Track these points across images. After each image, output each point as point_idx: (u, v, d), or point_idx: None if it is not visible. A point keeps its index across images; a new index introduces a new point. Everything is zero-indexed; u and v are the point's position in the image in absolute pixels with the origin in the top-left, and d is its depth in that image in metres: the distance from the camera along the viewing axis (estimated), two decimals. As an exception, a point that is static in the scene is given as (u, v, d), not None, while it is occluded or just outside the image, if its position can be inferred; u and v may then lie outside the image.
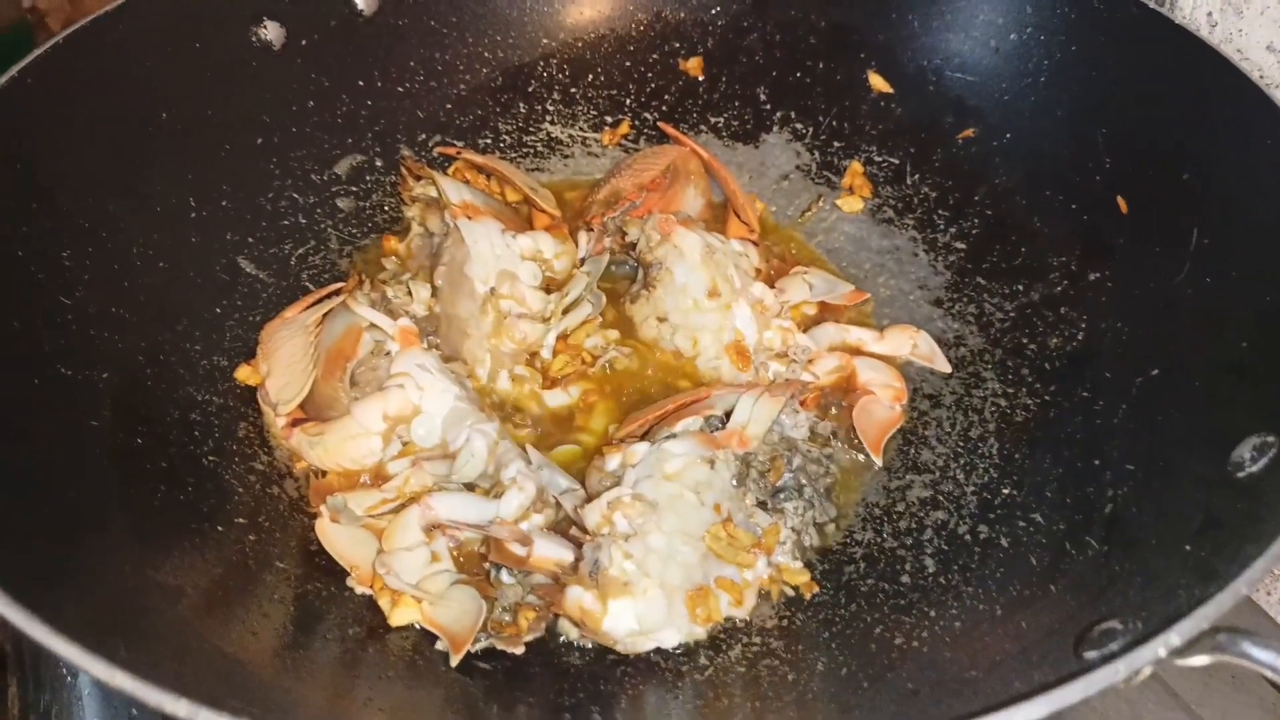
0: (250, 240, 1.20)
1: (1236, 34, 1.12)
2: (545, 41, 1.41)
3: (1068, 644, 0.72)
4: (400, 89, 1.35)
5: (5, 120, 1.00)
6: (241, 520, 0.98)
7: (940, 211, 1.27)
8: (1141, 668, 0.59)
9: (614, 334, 1.21)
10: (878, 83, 1.33)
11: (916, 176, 1.30)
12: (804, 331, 1.19)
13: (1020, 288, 1.16)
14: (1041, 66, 1.21)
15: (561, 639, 0.94)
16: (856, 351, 1.17)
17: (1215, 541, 0.74)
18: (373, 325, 1.09)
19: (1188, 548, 0.76)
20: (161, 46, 1.15)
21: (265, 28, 1.24)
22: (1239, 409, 0.85)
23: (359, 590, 0.95)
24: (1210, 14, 1.14)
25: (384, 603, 0.93)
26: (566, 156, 1.42)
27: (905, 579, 0.95)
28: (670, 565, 0.89)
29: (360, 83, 1.32)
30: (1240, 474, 0.78)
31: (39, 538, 0.78)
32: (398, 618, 0.92)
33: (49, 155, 1.04)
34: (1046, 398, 1.06)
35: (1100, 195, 1.12)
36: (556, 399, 1.15)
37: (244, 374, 1.10)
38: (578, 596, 0.88)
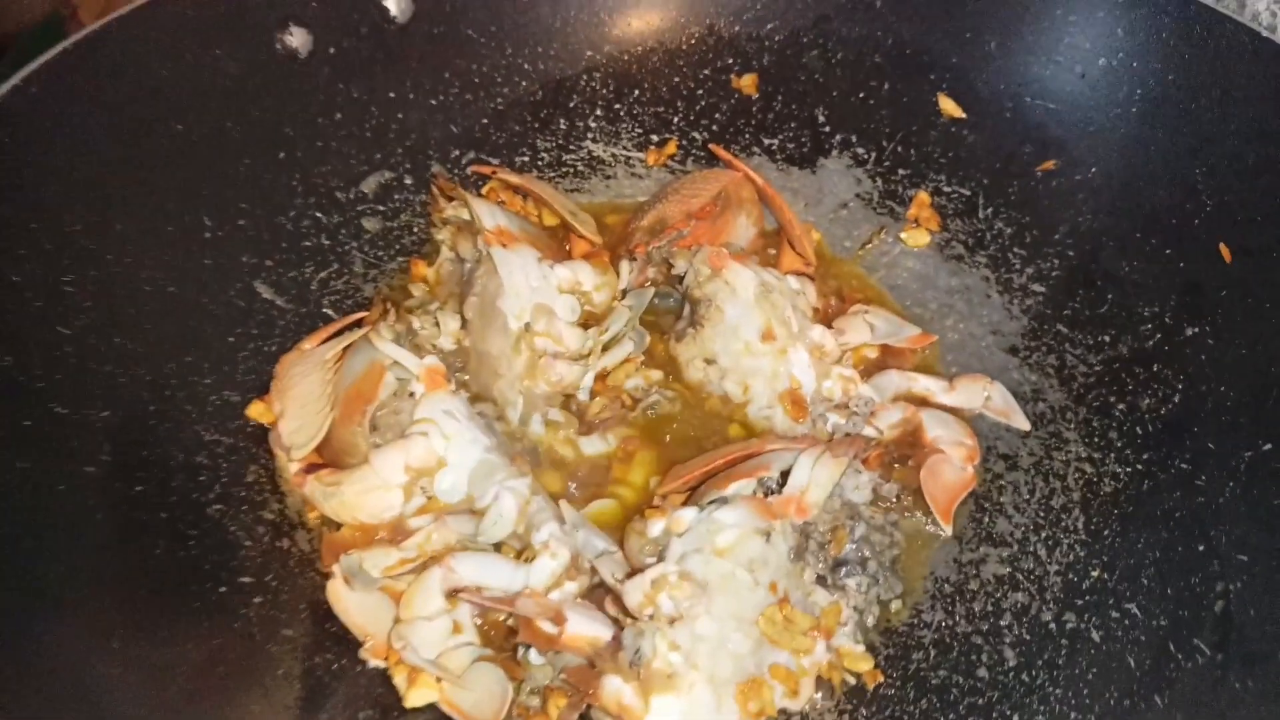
0: (269, 263, 1.11)
1: (1361, 66, 1.01)
2: (589, 54, 1.32)
3: (1191, 785, 0.62)
4: (433, 101, 1.26)
5: (3, 137, 0.91)
6: (247, 579, 0.89)
7: (1016, 250, 1.16)
8: None
9: (657, 375, 1.12)
10: (949, 107, 1.23)
11: (990, 210, 1.19)
12: (864, 377, 1.09)
13: (1107, 339, 1.05)
14: (1134, 96, 1.10)
15: (594, 727, 0.84)
16: (923, 403, 1.07)
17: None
18: (396, 363, 0.99)
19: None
20: (176, 53, 1.07)
21: (291, 34, 1.15)
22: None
23: (372, 663, 0.86)
24: (1331, 43, 1.03)
25: (399, 680, 0.84)
26: (609, 177, 1.33)
27: (982, 672, 0.85)
28: (720, 655, 0.80)
29: (391, 94, 1.23)
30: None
31: (24, 609, 0.70)
32: (414, 698, 0.83)
33: (52, 171, 0.96)
34: (1139, 467, 0.95)
35: (1200, 241, 1.02)
36: (593, 446, 1.06)
37: (256, 411, 1.01)
38: (616, 690, 0.79)
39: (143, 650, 0.76)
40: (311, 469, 0.96)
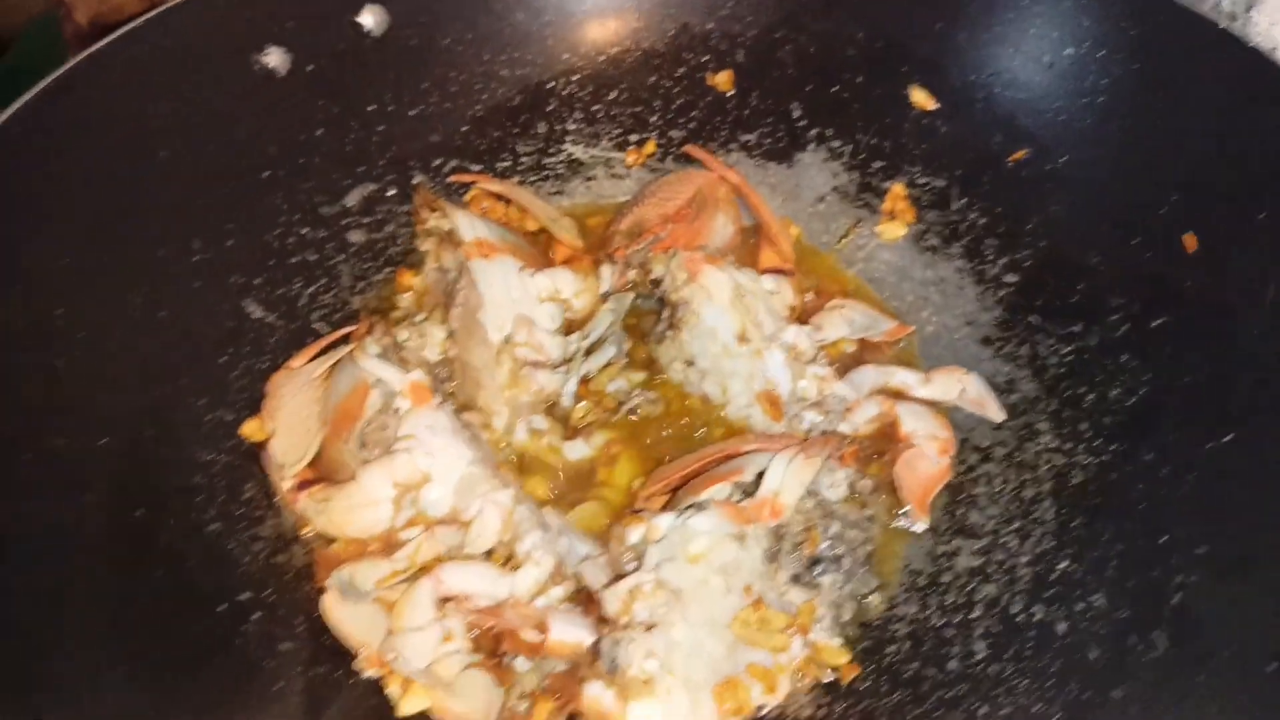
0: (257, 282, 1.14)
1: (1321, 54, 1.02)
2: (566, 57, 1.33)
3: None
4: (413, 112, 1.28)
5: (-6, 170, 0.94)
6: (245, 595, 0.93)
7: (989, 240, 1.18)
8: None
9: (639, 376, 1.14)
10: (921, 99, 1.24)
11: (964, 201, 1.21)
12: (843, 371, 1.12)
13: (1077, 330, 1.07)
14: (1100, 86, 1.11)
15: (580, 729, 0.88)
16: (899, 396, 1.09)
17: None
18: (379, 380, 1.02)
19: (1269, 669, 0.68)
20: (158, 80, 1.10)
21: (268, 55, 1.17)
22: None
23: (367, 674, 0.90)
24: (1291, 31, 1.04)
25: (392, 690, 0.88)
26: (589, 179, 1.34)
27: (953, 664, 0.88)
28: (695, 660, 0.83)
29: (370, 108, 1.25)
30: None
31: (21, 647, 0.73)
32: (407, 707, 0.87)
33: (40, 205, 0.99)
34: (1106, 458, 0.97)
35: (1165, 231, 1.03)
36: (577, 451, 1.09)
37: (250, 429, 1.05)
38: (596, 695, 0.83)
39: (146, 673, 0.80)
40: (304, 485, 1.00)
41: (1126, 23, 1.07)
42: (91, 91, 1.04)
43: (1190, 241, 1.00)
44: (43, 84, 1.01)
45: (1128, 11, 1.07)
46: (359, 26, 1.22)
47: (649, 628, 0.83)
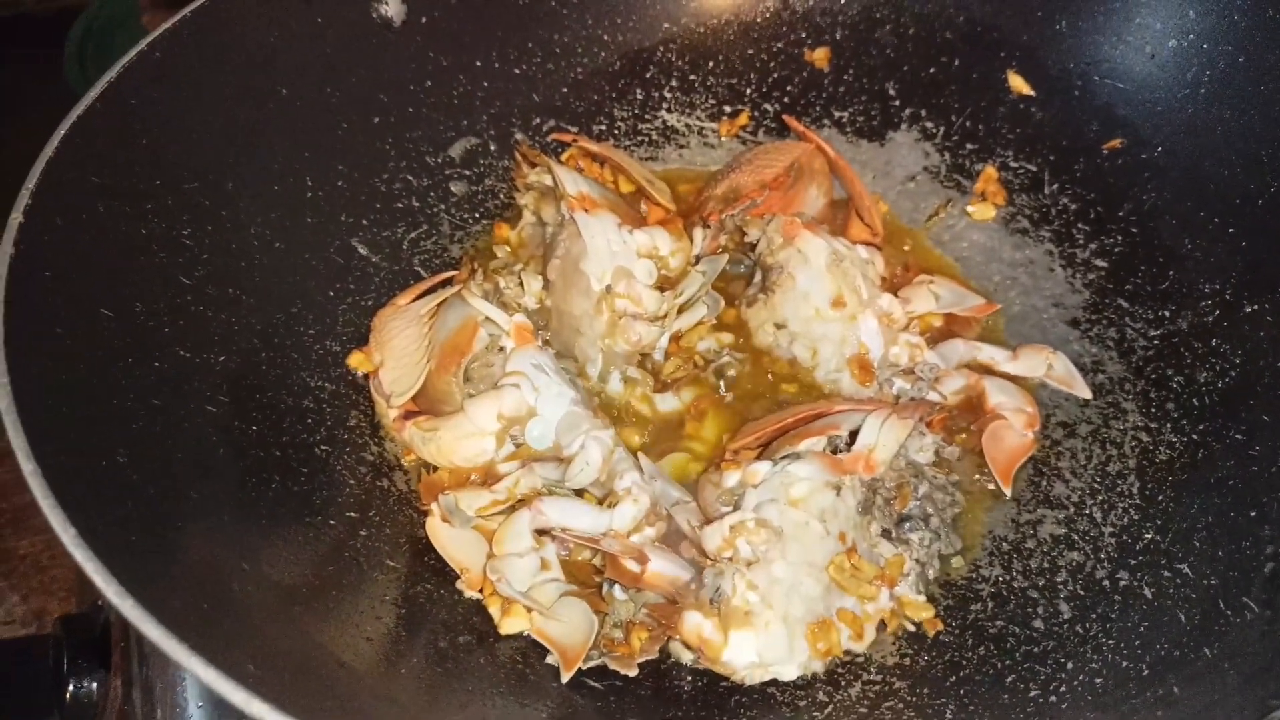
0: (364, 223, 1.18)
1: None
2: (666, 26, 1.36)
3: (1236, 724, 0.67)
4: (517, 71, 1.31)
5: (131, 98, 0.98)
6: (353, 514, 0.96)
7: (1080, 225, 1.20)
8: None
9: (727, 338, 1.17)
10: (1018, 84, 1.26)
11: (1055, 186, 1.23)
12: (930, 344, 1.14)
13: (1167, 314, 1.09)
14: (1202, 78, 1.13)
15: (672, 660, 0.91)
16: (986, 370, 1.12)
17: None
18: (487, 319, 1.06)
19: (1372, 627, 0.70)
20: (282, 22, 1.13)
21: (386, 4, 1.21)
22: None
23: (468, 594, 0.93)
24: (1403, 29, 1.06)
25: (494, 610, 0.91)
26: (682, 146, 1.37)
27: (1038, 623, 0.90)
28: (793, 597, 0.86)
29: (477, 63, 1.29)
30: None
31: (166, 531, 0.77)
32: (508, 626, 0.90)
33: (172, 132, 1.03)
34: (1194, 437, 0.99)
35: (1262, 221, 1.05)
36: (667, 403, 1.12)
37: (356, 360, 1.08)
38: (697, 624, 0.85)
39: (267, 572, 0.83)
40: (409, 415, 1.03)
41: (1235, 15, 1.09)
42: (223, 26, 1.08)
43: (1289, 232, 1.02)
44: (178, 15, 1.05)
45: (1236, 4, 1.09)
46: (472, -18, 1.26)
47: (750, 563, 0.86)
